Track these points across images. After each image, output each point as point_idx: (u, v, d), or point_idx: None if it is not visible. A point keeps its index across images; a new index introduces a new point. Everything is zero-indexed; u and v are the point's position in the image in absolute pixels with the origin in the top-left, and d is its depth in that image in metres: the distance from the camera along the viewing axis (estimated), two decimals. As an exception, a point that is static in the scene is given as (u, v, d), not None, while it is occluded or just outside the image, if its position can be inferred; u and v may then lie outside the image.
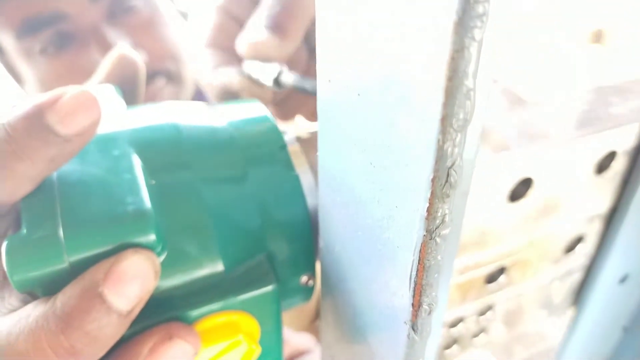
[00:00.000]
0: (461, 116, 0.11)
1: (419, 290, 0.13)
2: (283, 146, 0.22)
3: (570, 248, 0.28)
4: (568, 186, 0.25)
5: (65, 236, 0.17)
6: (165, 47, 0.54)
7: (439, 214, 0.12)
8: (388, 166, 0.13)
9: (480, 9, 0.10)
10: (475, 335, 0.28)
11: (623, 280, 0.29)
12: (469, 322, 0.27)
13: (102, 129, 0.20)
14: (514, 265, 0.26)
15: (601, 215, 0.28)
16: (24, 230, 0.17)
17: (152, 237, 0.18)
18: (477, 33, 0.10)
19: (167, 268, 0.19)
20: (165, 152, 0.20)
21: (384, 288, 0.15)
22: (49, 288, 0.17)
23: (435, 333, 0.15)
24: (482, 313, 0.27)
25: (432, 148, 0.11)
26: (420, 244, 0.13)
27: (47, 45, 0.50)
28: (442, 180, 0.12)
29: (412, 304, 0.14)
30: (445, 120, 0.11)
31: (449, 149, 0.11)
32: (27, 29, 0.49)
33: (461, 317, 0.26)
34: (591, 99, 0.26)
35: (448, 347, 0.27)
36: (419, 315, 0.14)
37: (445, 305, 0.15)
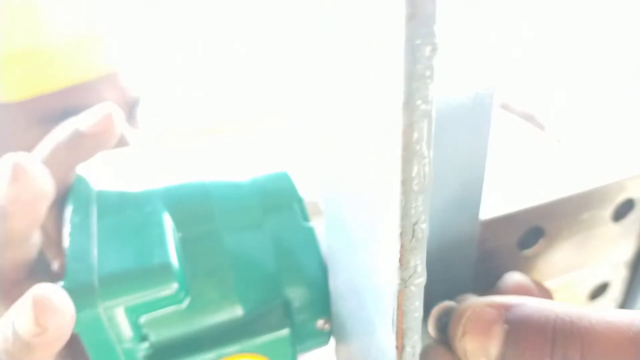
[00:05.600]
0: (418, 180, 0.12)
1: (400, 334, 0.15)
2: (300, 199, 0.24)
3: (595, 295, 0.28)
4: (582, 235, 0.25)
5: (100, 285, 0.20)
6: None
7: (411, 265, 0.14)
8: (370, 219, 0.15)
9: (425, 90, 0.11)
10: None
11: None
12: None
13: (138, 187, 0.23)
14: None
15: (626, 261, 0.28)
16: (64, 282, 0.20)
17: (175, 286, 0.20)
18: (424, 111, 0.12)
19: (190, 312, 0.21)
20: (192, 208, 0.23)
21: (375, 332, 0.16)
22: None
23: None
24: None
25: (396, 207, 0.13)
26: (397, 292, 0.14)
27: None
28: (409, 235, 0.13)
29: (397, 347, 0.15)
30: (406, 184, 0.12)
31: (412, 209, 0.13)
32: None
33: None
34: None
35: None
36: (403, 357, 0.15)
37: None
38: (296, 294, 0.23)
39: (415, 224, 0.13)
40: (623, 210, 0.26)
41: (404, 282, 0.14)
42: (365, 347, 0.18)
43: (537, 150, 0.27)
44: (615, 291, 0.28)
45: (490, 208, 0.22)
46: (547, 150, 0.27)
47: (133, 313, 0.21)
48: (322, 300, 0.23)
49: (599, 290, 0.28)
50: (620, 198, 0.25)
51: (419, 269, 0.14)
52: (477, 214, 0.21)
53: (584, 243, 0.25)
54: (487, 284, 0.24)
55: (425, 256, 0.14)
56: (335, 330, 0.23)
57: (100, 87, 0.54)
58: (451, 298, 0.21)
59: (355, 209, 0.16)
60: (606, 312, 0.16)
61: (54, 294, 0.18)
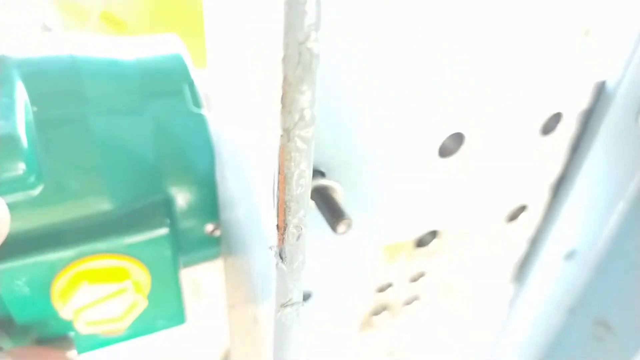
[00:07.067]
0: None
1: (282, 208, 0.11)
2: (191, 82, 0.20)
3: (513, 217, 0.26)
4: (506, 144, 0.23)
5: None
6: None
7: (297, 107, 0.10)
8: (254, 53, 0.11)
9: None
10: (408, 303, 0.26)
11: (569, 256, 0.28)
12: (399, 288, 0.25)
13: None
14: (447, 230, 0.24)
15: (550, 183, 0.26)
16: None
17: (21, 166, 0.17)
18: None
19: (44, 202, 0.18)
20: (55, 83, 0.19)
21: (258, 211, 0.13)
22: None
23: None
24: (414, 279, 0.25)
25: (280, 16, 0.09)
26: (279, 148, 0.11)
27: None
28: (294, 59, 0.10)
29: (277, 226, 0.12)
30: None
31: (299, 19, 0.09)
32: None
33: (390, 282, 0.24)
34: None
35: (376, 313, 0.25)
36: (286, 240, 0.12)
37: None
38: (181, 190, 0.19)
39: (302, 43, 0.09)
40: (551, 125, 0.24)
41: (287, 134, 0.10)
42: (246, 233, 0.15)
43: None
44: (535, 215, 0.26)
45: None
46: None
47: None
48: (213, 201, 0.20)
49: (517, 213, 0.26)
50: (549, 112, 0.23)
51: (307, 114, 0.10)
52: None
53: (508, 155, 0.23)
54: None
55: (316, 98, 0.10)
56: (224, 241, 0.19)
57: None
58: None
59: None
60: None
61: None
